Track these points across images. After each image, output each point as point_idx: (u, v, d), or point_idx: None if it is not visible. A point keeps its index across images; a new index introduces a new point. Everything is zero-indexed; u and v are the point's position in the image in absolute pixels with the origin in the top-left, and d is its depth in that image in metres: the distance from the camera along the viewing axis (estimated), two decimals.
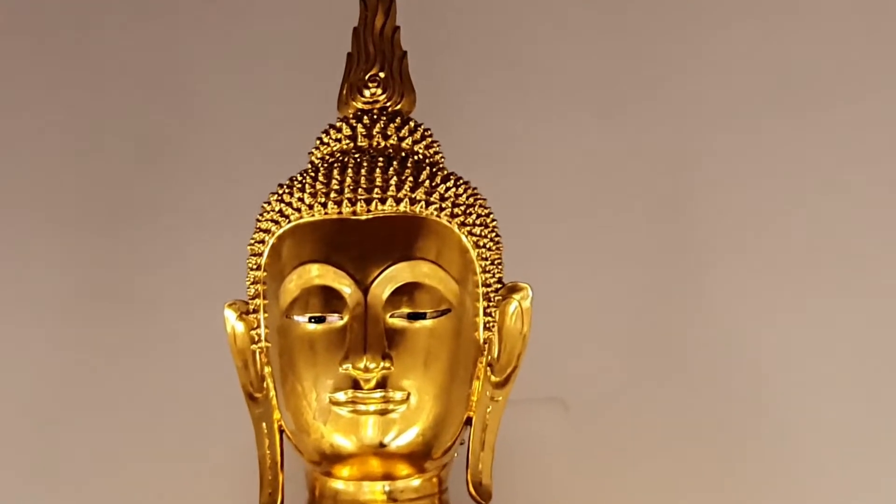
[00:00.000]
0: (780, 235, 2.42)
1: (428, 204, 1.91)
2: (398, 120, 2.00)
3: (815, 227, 2.43)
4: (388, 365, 1.82)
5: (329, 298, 1.87)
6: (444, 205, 1.92)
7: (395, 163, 1.93)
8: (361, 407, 1.84)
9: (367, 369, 1.82)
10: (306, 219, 1.92)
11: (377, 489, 1.91)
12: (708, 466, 2.32)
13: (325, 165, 1.97)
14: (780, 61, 2.49)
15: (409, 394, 1.85)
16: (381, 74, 2.02)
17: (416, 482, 1.92)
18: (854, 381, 2.36)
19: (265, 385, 1.97)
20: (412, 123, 2.01)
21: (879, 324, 2.39)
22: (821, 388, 2.36)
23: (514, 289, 1.97)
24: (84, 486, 2.41)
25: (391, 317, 1.86)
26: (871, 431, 2.34)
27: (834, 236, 2.41)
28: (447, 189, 1.93)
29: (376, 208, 1.90)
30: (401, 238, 1.90)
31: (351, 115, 2.02)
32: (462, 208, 1.93)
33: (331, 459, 1.88)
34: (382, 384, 1.84)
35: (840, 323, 2.38)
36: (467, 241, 1.93)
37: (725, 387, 2.38)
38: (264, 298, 1.95)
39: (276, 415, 1.96)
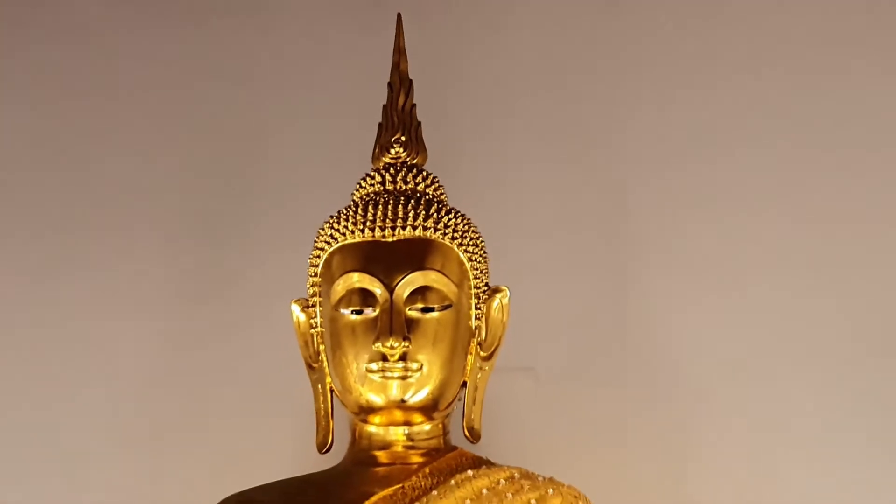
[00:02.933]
0: (694, 247, 2.60)
1: (435, 230, 2.13)
2: (414, 171, 2.22)
3: (723, 239, 2.60)
4: (407, 344, 2.04)
5: (365, 297, 2.09)
6: (446, 231, 2.15)
7: (412, 201, 2.15)
8: (388, 374, 2.06)
9: (392, 347, 2.03)
10: (350, 241, 2.14)
11: (399, 432, 2.13)
12: (637, 419, 2.52)
13: (363, 202, 2.17)
14: (701, 106, 2.65)
15: (422, 364, 2.07)
16: (403, 138, 2.23)
17: (427, 427, 2.14)
18: (756, 361, 2.53)
19: (320, 358, 2.17)
20: (424, 173, 2.23)
21: (771, 311, 2.54)
22: (726, 364, 2.54)
23: (496, 290, 2.19)
24: (186, 447, 2.55)
25: (409, 310, 2.07)
26: (771, 407, 2.50)
27: (737, 245, 2.58)
28: (449, 220, 2.15)
29: (399, 234, 2.12)
30: (416, 254, 2.11)
31: (381, 167, 2.23)
32: (459, 233, 2.16)
33: (366, 411, 2.10)
34: (403, 357, 2.06)
35: (742, 310, 2.56)
36: (463, 257, 2.15)
37: (652, 358, 2.56)
38: (319, 297, 2.17)
39: (328, 379, 2.16)
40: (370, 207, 2.14)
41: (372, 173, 2.23)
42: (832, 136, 2.59)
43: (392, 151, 2.23)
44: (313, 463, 2.22)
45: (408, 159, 2.23)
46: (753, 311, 2.55)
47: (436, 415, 2.12)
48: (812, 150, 2.59)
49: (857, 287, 2.53)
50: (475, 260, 2.17)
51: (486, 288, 2.18)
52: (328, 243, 2.15)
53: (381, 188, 2.20)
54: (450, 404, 2.14)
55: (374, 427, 2.13)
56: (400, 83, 2.24)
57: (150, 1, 2.77)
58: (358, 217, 2.14)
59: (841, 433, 2.47)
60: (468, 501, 2.04)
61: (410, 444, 2.13)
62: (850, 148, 2.59)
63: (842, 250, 2.54)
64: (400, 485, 2.06)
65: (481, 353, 2.17)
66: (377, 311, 2.06)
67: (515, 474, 2.11)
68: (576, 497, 2.10)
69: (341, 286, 2.09)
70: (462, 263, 2.15)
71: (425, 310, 2.08)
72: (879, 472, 2.47)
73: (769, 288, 2.56)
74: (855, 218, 2.56)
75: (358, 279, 2.08)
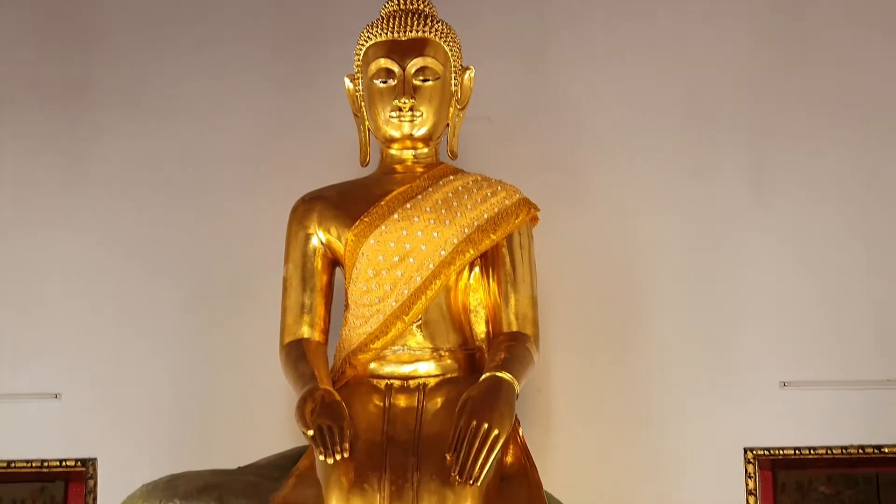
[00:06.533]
0: (599, 33, 3.31)
1: (430, 32, 2.73)
2: None
3: (619, 30, 3.31)
4: (413, 101, 2.66)
5: (388, 73, 2.69)
6: (437, 33, 2.74)
7: (416, 15, 2.73)
8: (402, 119, 2.69)
9: (404, 103, 2.66)
10: (379, 39, 2.75)
11: (409, 154, 2.78)
12: (556, 149, 3.25)
13: (386, 16, 2.76)
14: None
15: (423, 113, 2.69)
16: None
17: (425, 150, 2.77)
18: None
19: (361, 109, 2.80)
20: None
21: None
22: (616, 115, 3.30)
23: (467, 68, 2.80)
24: (284, 160, 3.25)
25: (415, 80, 2.68)
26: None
27: (627, 33, 3.29)
28: (439, 27, 2.75)
29: (408, 34, 2.72)
30: (419, 47, 2.71)
31: None
32: (445, 34, 2.76)
33: (389, 141, 2.74)
34: (411, 109, 2.68)
35: (628, 85, 3.32)
36: (447, 48, 2.76)
37: (567, 112, 3.26)
38: (360, 73, 2.77)
39: (366, 122, 2.79)
40: (391, 19, 2.78)
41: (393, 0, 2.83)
42: None
43: None
44: (358, 173, 2.88)
45: None
46: (631, 87, 3.32)
47: (431, 143, 2.78)
48: None
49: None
50: (454, 51, 2.80)
51: (460, 67, 2.82)
52: (366, 41, 2.80)
53: (397, 7, 2.82)
54: (439, 136, 2.79)
55: (394, 150, 2.79)
56: None
57: None
58: (383, 25, 2.77)
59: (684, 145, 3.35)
60: (450, 193, 2.68)
61: (415, 160, 2.79)
62: None
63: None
64: (409, 185, 2.71)
65: (458, 106, 2.82)
66: (395, 81, 2.70)
67: (479, 178, 2.77)
68: (514, 191, 2.75)
69: (374, 66, 2.73)
70: (446, 53, 2.79)
71: (424, 80, 2.72)
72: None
73: (643, 67, 3.34)
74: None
75: (384, 62, 2.73)
